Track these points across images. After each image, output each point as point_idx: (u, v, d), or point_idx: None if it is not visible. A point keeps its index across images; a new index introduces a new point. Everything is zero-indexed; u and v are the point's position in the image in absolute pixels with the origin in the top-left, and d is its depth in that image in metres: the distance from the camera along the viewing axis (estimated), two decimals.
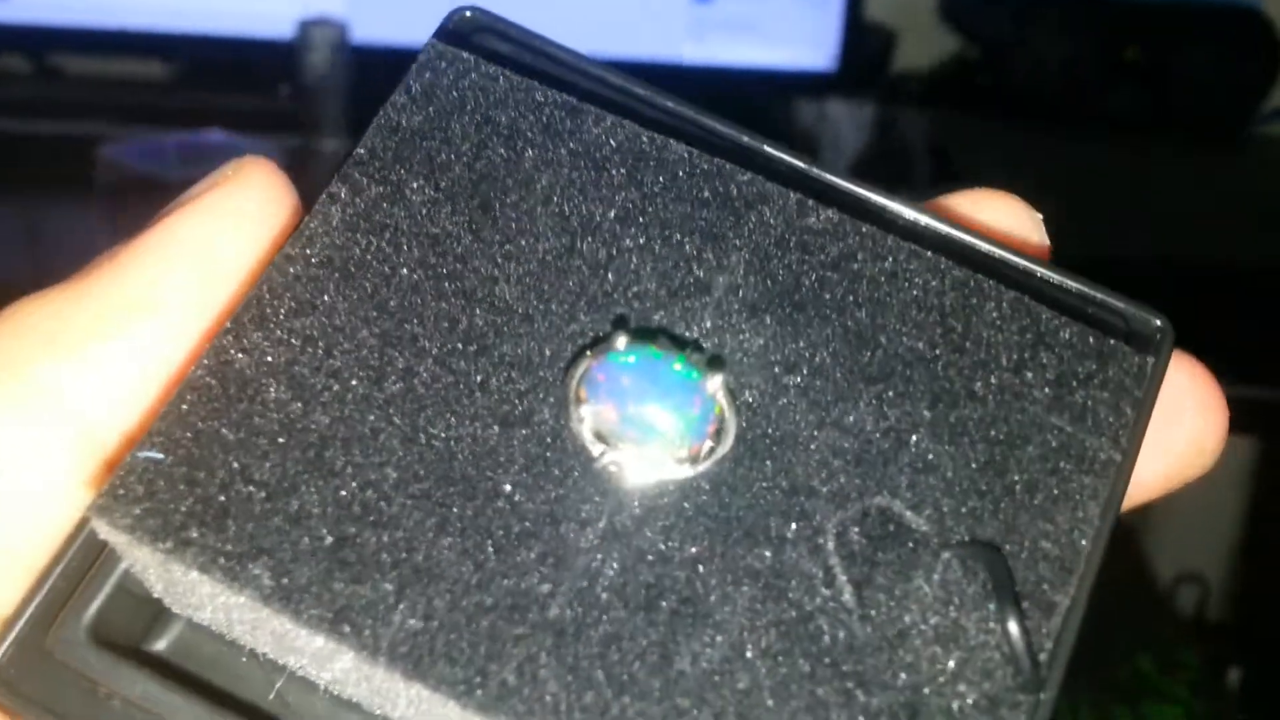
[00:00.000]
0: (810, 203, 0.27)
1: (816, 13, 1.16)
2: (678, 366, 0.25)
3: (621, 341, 0.25)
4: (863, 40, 1.19)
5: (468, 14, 0.29)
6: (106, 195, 0.98)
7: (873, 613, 0.24)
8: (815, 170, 0.28)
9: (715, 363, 0.25)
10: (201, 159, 1.02)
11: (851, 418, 0.26)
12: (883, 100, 1.24)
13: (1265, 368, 0.98)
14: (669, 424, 0.25)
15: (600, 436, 0.24)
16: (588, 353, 0.25)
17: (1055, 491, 0.25)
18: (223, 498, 0.23)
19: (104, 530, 0.23)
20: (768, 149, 0.28)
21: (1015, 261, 0.28)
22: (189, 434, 0.24)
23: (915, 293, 0.27)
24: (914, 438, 0.25)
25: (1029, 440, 0.26)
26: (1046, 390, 0.26)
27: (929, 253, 0.27)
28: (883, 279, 0.27)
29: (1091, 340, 0.27)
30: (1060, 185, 1.05)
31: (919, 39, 1.26)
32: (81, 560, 0.24)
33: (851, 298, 0.27)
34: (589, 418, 0.24)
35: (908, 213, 0.28)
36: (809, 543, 0.24)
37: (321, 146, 1.03)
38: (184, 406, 0.24)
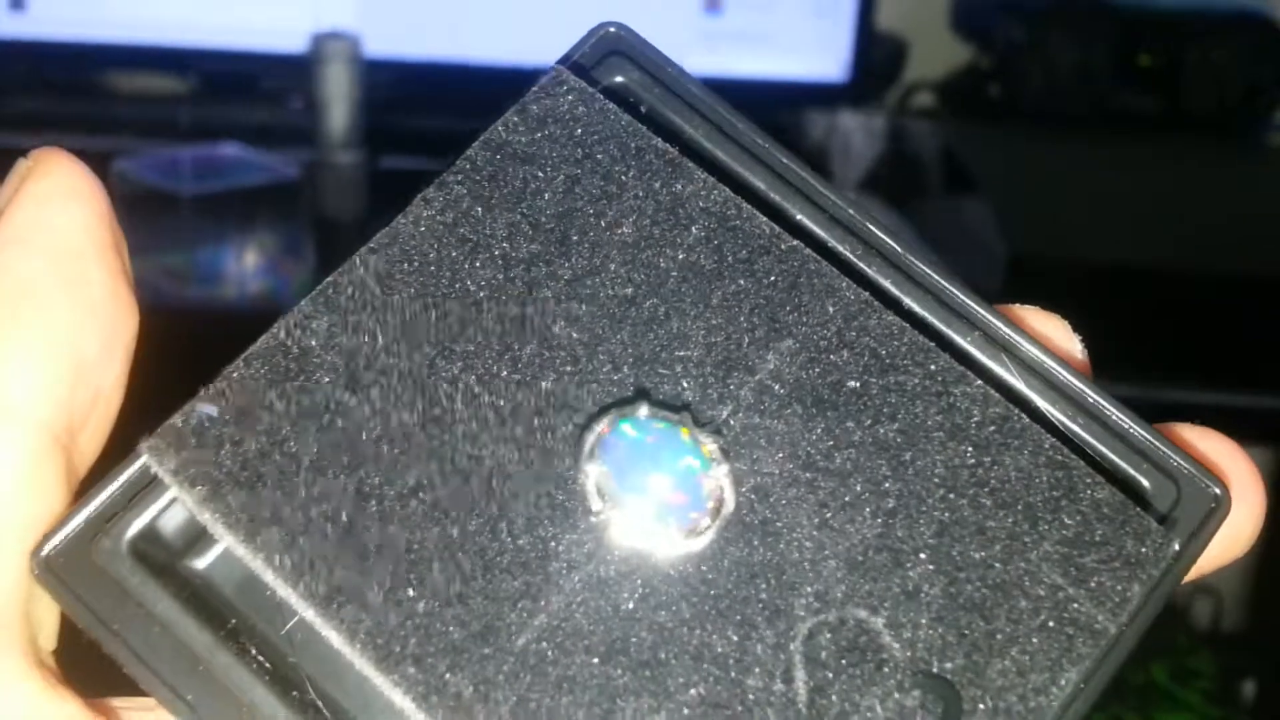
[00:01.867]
0: (875, 304, 0.27)
1: (828, 23, 1.16)
2: (687, 450, 0.26)
3: (643, 411, 0.26)
4: (874, 50, 1.19)
5: (612, 29, 0.30)
6: (121, 209, 0.99)
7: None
8: (908, 258, 0.28)
9: (725, 454, 0.26)
10: (216, 173, 1.02)
11: (854, 526, 0.26)
12: (894, 110, 1.24)
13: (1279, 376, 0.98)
14: (665, 499, 0.25)
15: (602, 493, 0.25)
16: (610, 412, 0.26)
17: (1037, 648, 0.25)
18: (259, 464, 0.25)
19: (152, 467, 0.25)
20: (870, 226, 0.28)
21: (1082, 397, 0.27)
22: (244, 398, 0.25)
23: (955, 419, 0.27)
24: (911, 562, 0.26)
25: (1025, 592, 0.25)
26: (1059, 547, 0.26)
27: (978, 381, 0.27)
28: (924, 397, 0.27)
29: (1121, 507, 0.26)
30: (1073, 193, 1.06)
31: (931, 48, 1.26)
32: (140, 476, 0.26)
33: (888, 410, 0.27)
34: (594, 474, 0.25)
35: (985, 318, 0.28)
36: (778, 636, 0.25)
37: (335, 159, 1.03)
38: (246, 371, 0.26)
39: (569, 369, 0.26)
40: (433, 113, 1.21)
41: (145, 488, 0.26)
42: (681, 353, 0.27)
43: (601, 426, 0.26)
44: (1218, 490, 0.26)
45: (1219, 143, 1.20)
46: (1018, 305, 0.29)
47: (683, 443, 0.26)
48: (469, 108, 1.27)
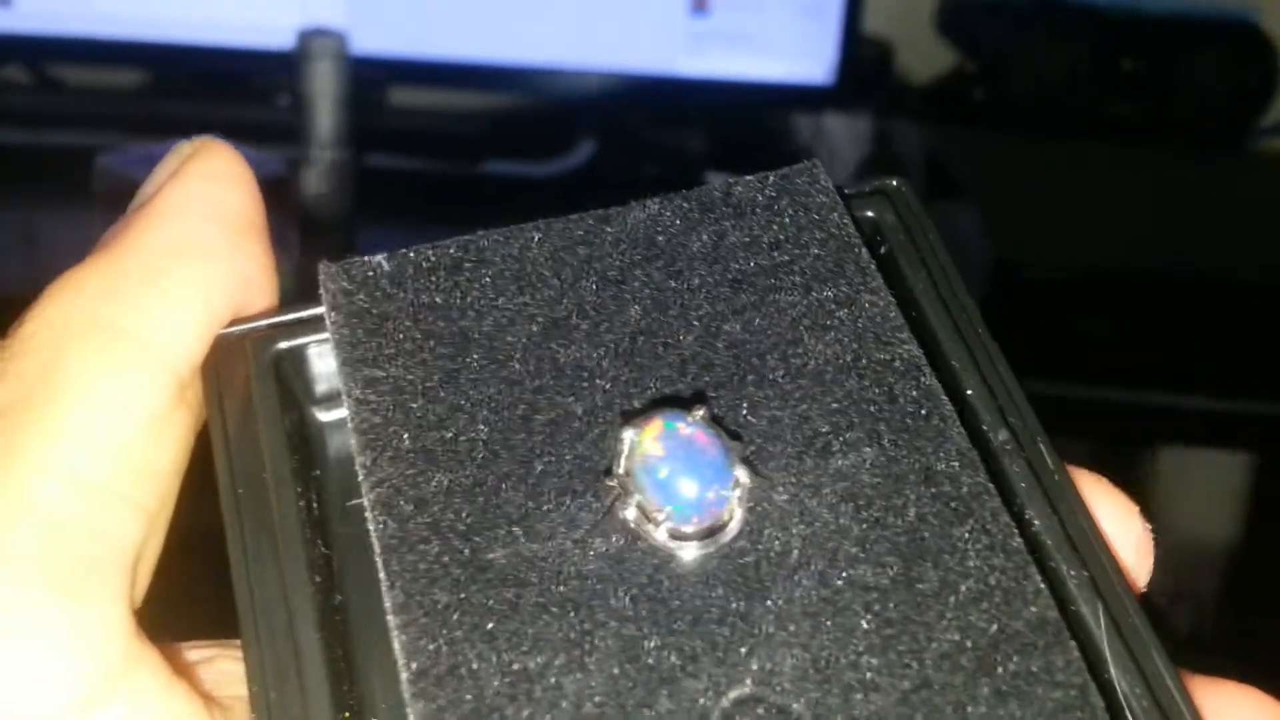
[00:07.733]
0: (978, 466, 0.27)
1: (814, 25, 1.16)
2: (717, 461, 0.26)
3: (699, 413, 0.27)
4: (860, 53, 1.19)
5: (894, 182, 0.32)
6: (104, 204, 0.98)
7: None
8: (1056, 477, 0.28)
9: (748, 489, 0.26)
10: None
11: (839, 636, 0.25)
12: (880, 113, 1.24)
13: (1263, 382, 0.98)
14: (675, 487, 0.26)
15: (627, 465, 0.26)
16: (673, 404, 0.28)
17: None
18: (395, 318, 0.29)
19: (320, 287, 0.29)
20: (1035, 441, 0.28)
21: (1137, 639, 0.27)
22: (411, 269, 0.29)
23: (997, 601, 0.26)
24: (873, 698, 0.25)
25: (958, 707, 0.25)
26: (1000, 670, 0.25)
27: (1040, 579, 0.26)
28: (976, 561, 0.26)
29: (1090, 695, 0.25)
30: (1058, 198, 1.06)
31: (917, 52, 1.26)
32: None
33: (932, 558, 0.26)
34: (627, 440, 0.27)
35: (1085, 536, 0.27)
36: (712, 683, 0.25)
37: (320, 157, 1.03)
38: (424, 251, 0.29)
39: (667, 373, 0.28)
40: (420, 111, 1.20)
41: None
42: (776, 413, 0.28)
43: (658, 412, 0.27)
44: None
45: (1204, 148, 1.21)
46: (1096, 481, 0.28)
47: (717, 453, 0.26)
48: (457, 107, 1.26)
